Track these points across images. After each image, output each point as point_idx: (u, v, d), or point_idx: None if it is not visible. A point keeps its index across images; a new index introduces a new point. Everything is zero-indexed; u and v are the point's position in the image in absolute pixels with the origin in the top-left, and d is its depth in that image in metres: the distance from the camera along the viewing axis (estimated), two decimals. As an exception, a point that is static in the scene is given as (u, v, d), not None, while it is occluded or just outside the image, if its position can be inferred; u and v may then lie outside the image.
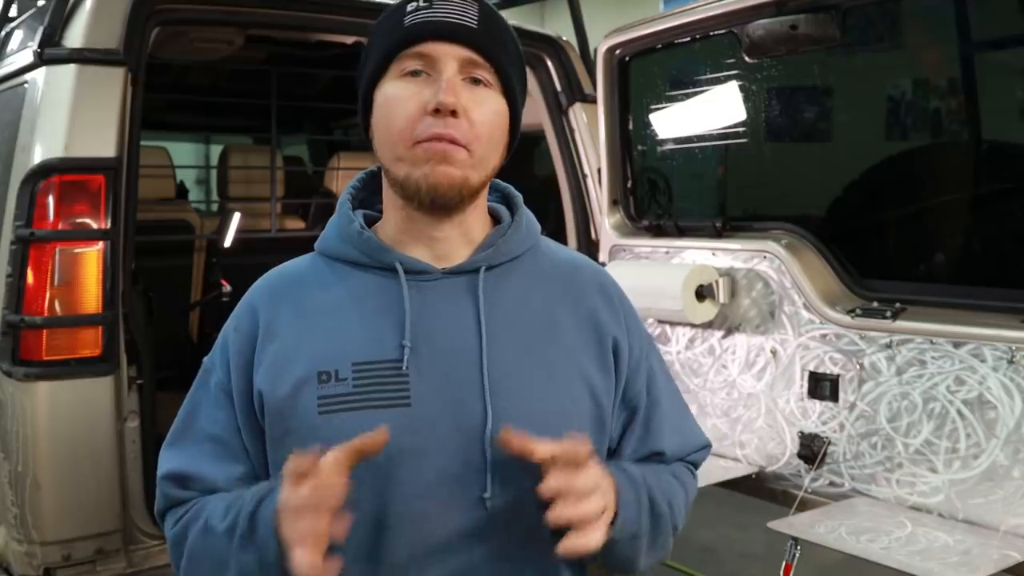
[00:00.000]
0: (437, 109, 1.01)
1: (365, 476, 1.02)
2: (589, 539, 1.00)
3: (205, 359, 1.18)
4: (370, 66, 1.08)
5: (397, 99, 1.04)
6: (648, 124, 3.29)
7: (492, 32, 1.06)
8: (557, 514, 0.98)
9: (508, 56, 1.08)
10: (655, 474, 1.19)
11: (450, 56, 1.04)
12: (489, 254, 1.12)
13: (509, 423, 1.03)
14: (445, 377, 1.06)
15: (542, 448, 0.99)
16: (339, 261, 1.13)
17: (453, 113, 1.02)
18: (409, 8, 1.06)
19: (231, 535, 1.03)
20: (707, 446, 1.31)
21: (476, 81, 1.06)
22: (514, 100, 1.10)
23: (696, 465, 1.31)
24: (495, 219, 1.19)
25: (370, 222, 1.17)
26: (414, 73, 1.05)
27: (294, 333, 1.09)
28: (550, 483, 0.97)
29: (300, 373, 1.06)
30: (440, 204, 1.06)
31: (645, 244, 3.19)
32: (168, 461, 1.16)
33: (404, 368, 1.05)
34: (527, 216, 1.19)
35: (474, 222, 1.13)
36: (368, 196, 1.20)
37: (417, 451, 1.05)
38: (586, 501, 0.99)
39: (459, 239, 1.12)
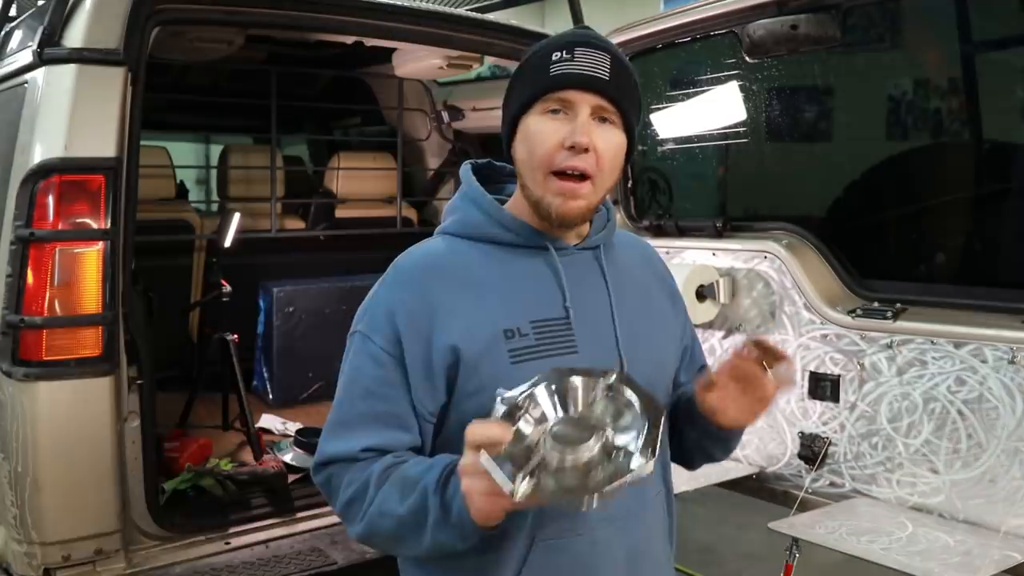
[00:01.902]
0: (573, 146, 1.25)
1: None
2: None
3: (360, 327, 1.32)
4: (518, 100, 1.32)
5: (540, 133, 1.28)
6: (648, 124, 3.29)
7: (620, 83, 1.30)
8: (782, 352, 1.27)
9: (631, 100, 1.33)
10: None
11: (585, 102, 1.28)
12: (602, 235, 1.41)
13: (635, 365, 1.33)
14: (594, 329, 1.34)
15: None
16: (483, 241, 1.36)
17: (585, 149, 1.26)
18: (555, 57, 1.29)
19: (420, 518, 1.19)
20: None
21: (604, 119, 1.29)
22: (632, 134, 1.35)
23: None
24: None
25: None
26: (554, 111, 1.29)
27: (470, 300, 1.30)
28: (773, 346, 1.27)
29: (489, 332, 1.28)
30: (567, 225, 1.33)
31: (645, 244, 3.19)
32: (335, 435, 1.31)
33: (572, 323, 1.32)
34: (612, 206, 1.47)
35: None
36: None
37: None
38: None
39: (572, 232, 1.38)
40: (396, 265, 1.37)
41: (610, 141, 1.30)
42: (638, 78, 1.38)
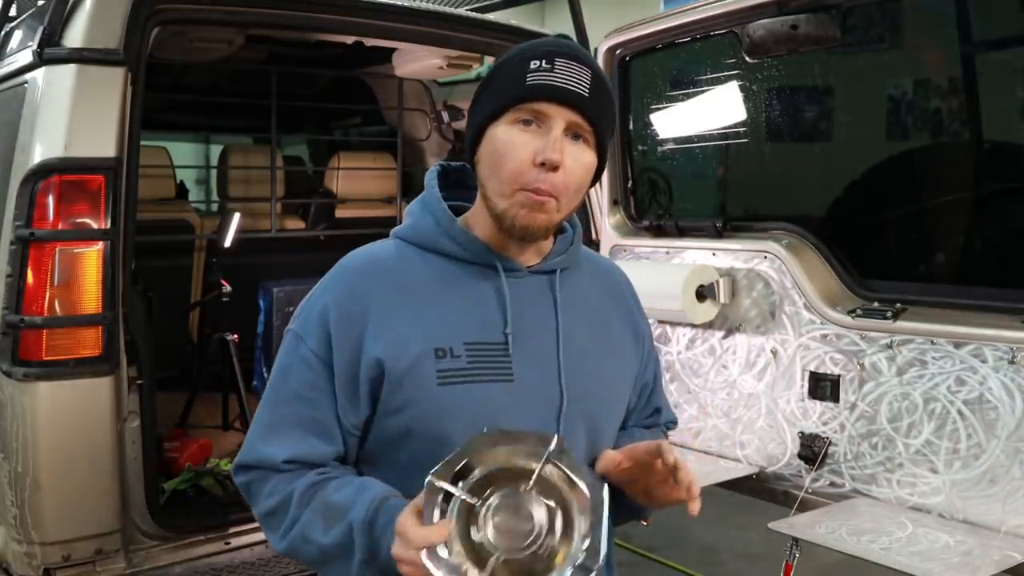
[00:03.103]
0: (544, 163, 1.19)
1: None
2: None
3: (294, 326, 1.29)
4: (488, 106, 1.25)
5: (510, 145, 1.21)
6: (648, 124, 3.29)
7: (599, 100, 1.23)
8: (690, 478, 1.22)
9: (607, 119, 1.26)
10: None
11: (560, 117, 1.20)
12: (563, 259, 1.34)
13: (577, 398, 1.28)
14: (535, 357, 1.27)
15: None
16: (432, 251, 1.30)
17: (555, 167, 1.19)
18: (532, 66, 1.21)
19: (346, 552, 1.18)
20: (676, 421, 1.60)
21: (577, 136, 1.22)
22: (604, 154, 1.28)
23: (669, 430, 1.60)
24: None
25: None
26: (526, 122, 1.21)
27: (406, 313, 1.25)
28: (685, 472, 1.22)
29: (418, 349, 1.22)
30: (529, 239, 1.26)
31: (645, 244, 3.19)
32: (261, 437, 1.28)
33: (509, 350, 1.25)
34: (579, 227, 1.41)
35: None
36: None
37: (516, 418, 1.23)
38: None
39: (532, 249, 1.32)
40: (341, 263, 1.32)
41: (579, 160, 1.22)
42: (616, 98, 1.32)
